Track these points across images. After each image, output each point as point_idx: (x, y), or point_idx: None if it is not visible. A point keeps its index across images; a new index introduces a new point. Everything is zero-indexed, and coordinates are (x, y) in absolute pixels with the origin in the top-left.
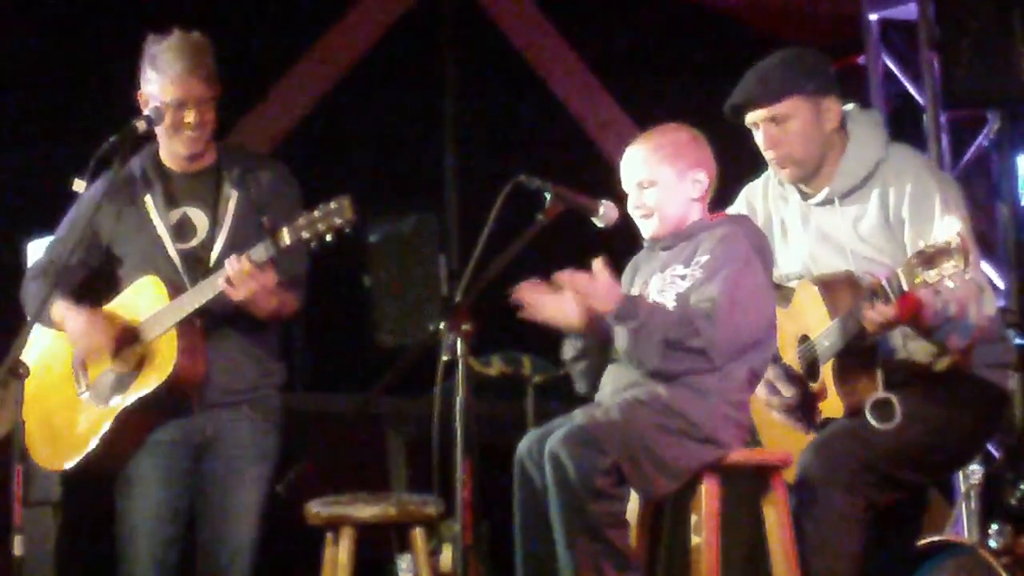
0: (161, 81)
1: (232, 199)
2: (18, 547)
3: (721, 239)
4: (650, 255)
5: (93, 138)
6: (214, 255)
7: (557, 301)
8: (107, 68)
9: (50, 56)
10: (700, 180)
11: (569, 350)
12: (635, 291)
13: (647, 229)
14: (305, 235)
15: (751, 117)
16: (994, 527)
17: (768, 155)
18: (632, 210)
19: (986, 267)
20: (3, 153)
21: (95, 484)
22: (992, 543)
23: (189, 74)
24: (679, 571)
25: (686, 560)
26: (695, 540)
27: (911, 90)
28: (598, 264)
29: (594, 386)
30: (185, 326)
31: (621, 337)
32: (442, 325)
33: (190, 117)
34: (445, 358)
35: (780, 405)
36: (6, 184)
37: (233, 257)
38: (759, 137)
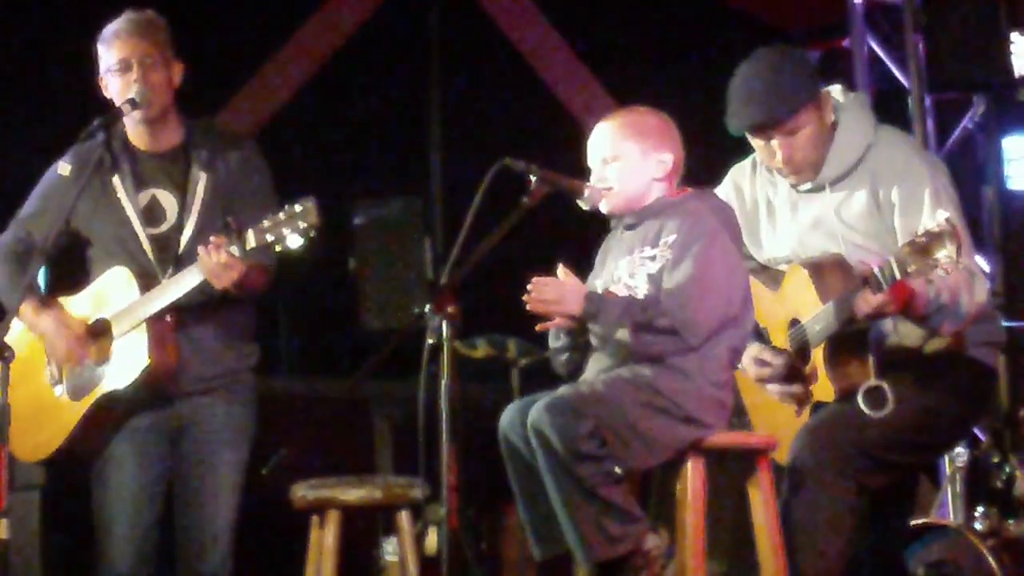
0: (108, 49)
1: (201, 182)
2: (3, 531)
3: (686, 217)
4: (617, 236)
5: (73, 126)
6: (184, 240)
7: (565, 288)
8: (84, 53)
9: (28, 44)
10: (664, 160)
11: (555, 339)
12: (605, 274)
13: (603, 206)
14: (269, 238)
15: (765, 134)
16: (980, 510)
17: (781, 165)
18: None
19: None
20: None
21: (79, 469)
22: (978, 525)
23: (130, 33)
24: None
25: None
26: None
27: (896, 73)
28: (561, 271)
29: (574, 376)
30: (155, 319)
31: (595, 332)
32: (427, 308)
33: (136, 75)
34: (430, 341)
35: (770, 376)
36: None
37: (211, 249)
38: (764, 146)
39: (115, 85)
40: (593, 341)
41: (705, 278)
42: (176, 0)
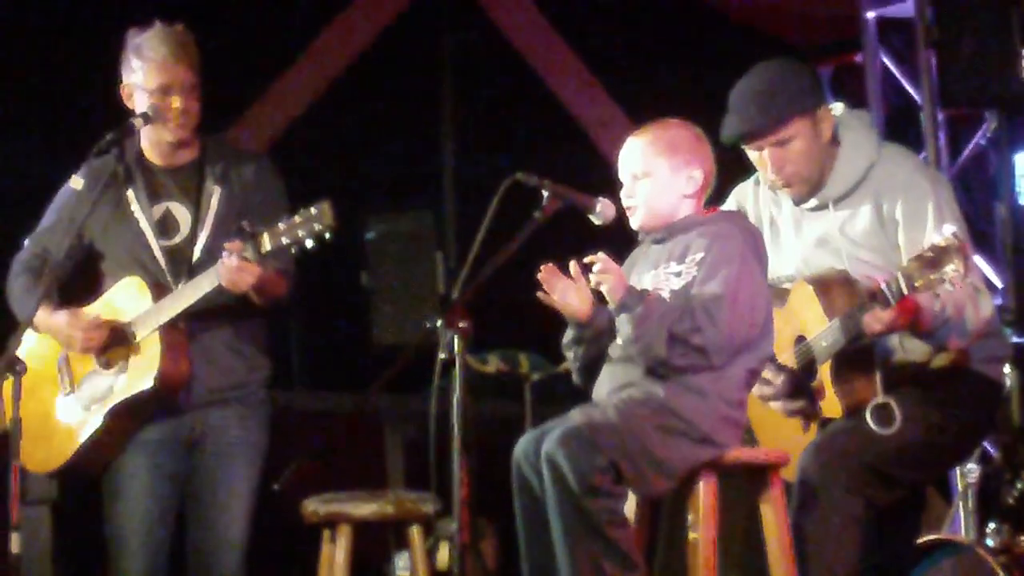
0: (146, 68)
1: (215, 195)
2: (16, 545)
3: (715, 237)
4: (644, 250)
5: (79, 132)
6: (197, 252)
7: (570, 286)
8: (95, 62)
9: (38, 50)
10: (695, 177)
11: (568, 334)
12: None
13: (633, 221)
14: (285, 241)
15: (755, 144)
16: (991, 526)
17: (773, 177)
18: (623, 200)
19: (984, 265)
20: None
21: (90, 482)
22: (989, 542)
23: (175, 60)
24: (676, 568)
25: (683, 558)
26: (692, 536)
27: (909, 89)
28: (603, 256)
29: (587, 378)
30: (168, 328)
31: (625, 326)
32: (439, 323)
33: (176, 103)
34: (442, 356)
35: (773, 395)
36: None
37: (226, 253)
38: (758, 157)
39: (145, 104)
40: (613, 344)
41: (731, 300)
42: (189, 12)
